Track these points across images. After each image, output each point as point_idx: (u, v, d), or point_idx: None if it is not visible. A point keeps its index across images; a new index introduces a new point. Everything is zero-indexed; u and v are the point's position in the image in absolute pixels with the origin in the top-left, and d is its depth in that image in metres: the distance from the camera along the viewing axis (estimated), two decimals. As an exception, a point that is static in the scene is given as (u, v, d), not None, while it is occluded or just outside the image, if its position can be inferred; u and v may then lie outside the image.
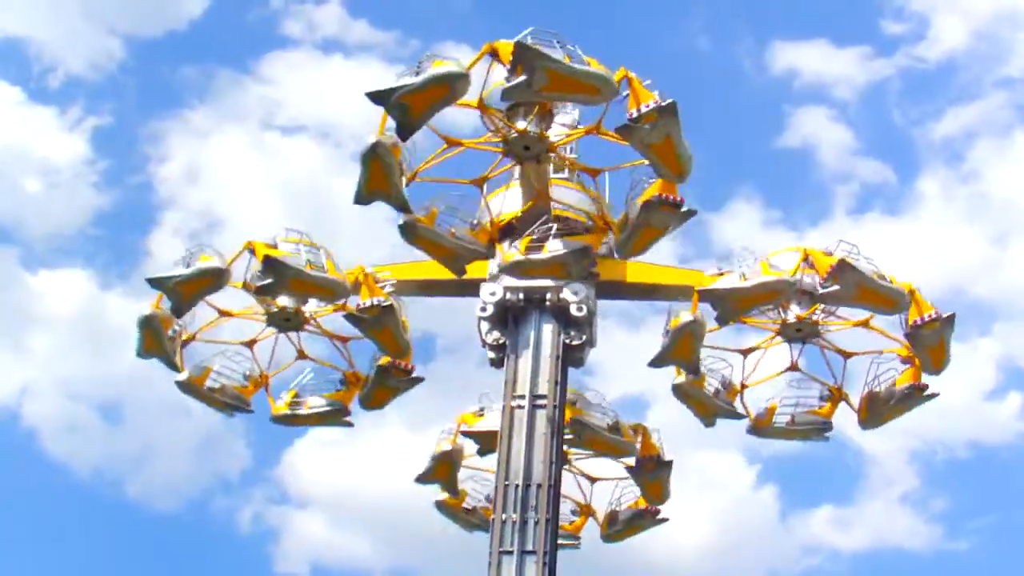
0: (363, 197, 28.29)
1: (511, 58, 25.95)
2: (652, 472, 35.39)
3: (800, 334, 32.86)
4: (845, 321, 32.42)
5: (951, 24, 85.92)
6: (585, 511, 37.93)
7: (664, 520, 37.23)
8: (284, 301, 32.97)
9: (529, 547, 28.63)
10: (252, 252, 30.03)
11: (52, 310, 76.57)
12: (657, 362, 31.15)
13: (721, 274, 29.93)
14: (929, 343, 30.72)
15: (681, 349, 30.70)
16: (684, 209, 28.81)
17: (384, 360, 33.52)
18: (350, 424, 35.10)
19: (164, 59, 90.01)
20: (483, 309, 31.57)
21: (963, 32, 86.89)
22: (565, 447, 33.24)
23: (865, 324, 32.28)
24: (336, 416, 34.86)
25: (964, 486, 72.87)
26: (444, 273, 31.63)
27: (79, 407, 73.50)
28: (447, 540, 53.12)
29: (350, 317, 31.51)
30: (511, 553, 28.62)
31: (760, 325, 33.24)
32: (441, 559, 62.83)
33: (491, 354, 31.84)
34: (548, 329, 31.40)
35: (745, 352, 33.98)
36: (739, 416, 33.97)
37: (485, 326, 31.78)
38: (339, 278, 30.13)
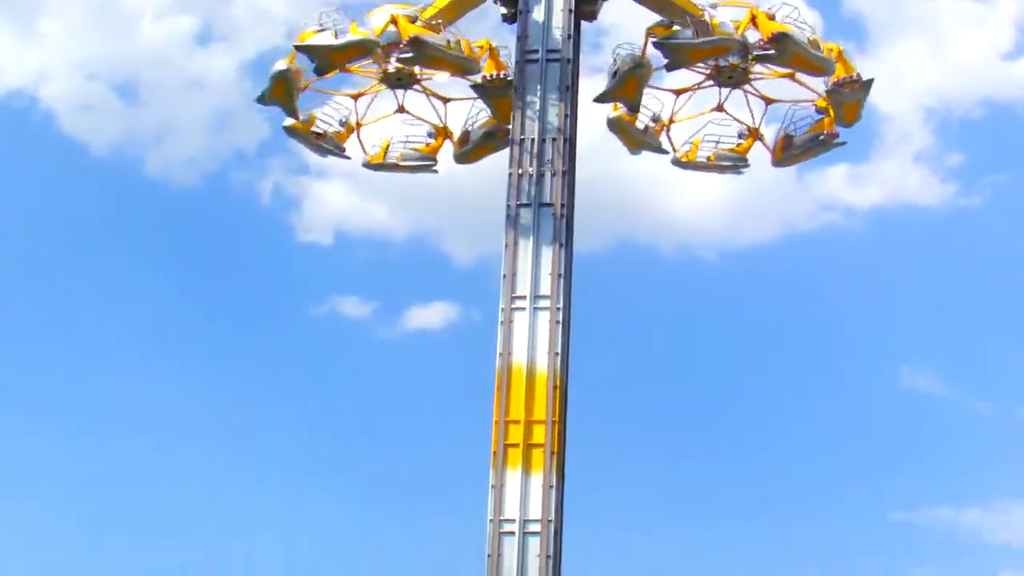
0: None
1: None
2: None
3: (731, 81, 34.55)
4: (774, 72, 34.13)
5: None
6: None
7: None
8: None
9: (546, 199, 29.37)
10: (395, 24, 31.40)
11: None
12: (602, 98, 32.52)
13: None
14: (847, 100, 33.42)
15: (627, 90, 32.27)
16: None
17: (490, 122, 34.49)
18: (436, 171, 36.25)
19: None
20: (496, -38, 31.24)
21: None
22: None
23: (791, 76, 34.00)
24: (424, 167, 36.12)
25: (978, 143, 72.64)
26: None
27: (96, 86, 73.13)
28: (464, 201, 54.27)
29: (477, 87, 33.55)
30: (528, 206, 29.42)
31: (695, 69, 34.17)
32: (459, 220, 64.56)
33: (503, 9, 31.76)
34: (561, -19, 30.99)
35: (678, 92, 35.29)
36: (663, 151, 35.49)
37: (498, -24, 31.55)
38: (472, 57, 32.51)
